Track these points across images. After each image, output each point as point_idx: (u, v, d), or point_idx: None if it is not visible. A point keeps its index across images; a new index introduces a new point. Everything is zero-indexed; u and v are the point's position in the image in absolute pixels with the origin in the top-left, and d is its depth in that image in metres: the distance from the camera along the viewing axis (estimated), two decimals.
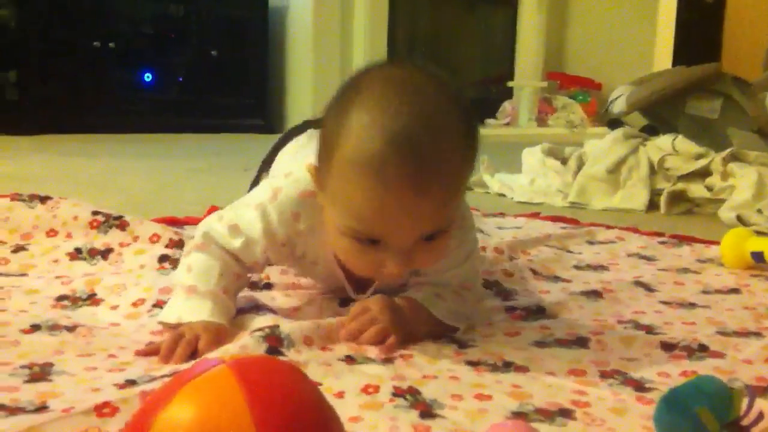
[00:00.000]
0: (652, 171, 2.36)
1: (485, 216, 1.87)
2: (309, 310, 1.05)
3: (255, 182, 1.26)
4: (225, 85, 4.57)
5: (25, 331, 0.92)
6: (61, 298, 1.05)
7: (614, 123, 2.95)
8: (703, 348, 0.95)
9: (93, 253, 1.25)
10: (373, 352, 0.90)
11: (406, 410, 0.74)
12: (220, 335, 0.90)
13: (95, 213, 1.32)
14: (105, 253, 1.25)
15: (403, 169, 0.78)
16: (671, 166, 2.35)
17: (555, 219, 1.93)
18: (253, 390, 0.48)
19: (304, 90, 4.76)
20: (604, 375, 0.86)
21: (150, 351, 0.88)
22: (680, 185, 2.29)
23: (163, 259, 1.24)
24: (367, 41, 4.78)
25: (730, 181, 2.22)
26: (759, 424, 0.65)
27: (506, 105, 5.45)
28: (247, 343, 0.87)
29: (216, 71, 4.52)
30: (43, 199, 1.34)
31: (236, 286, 1.00)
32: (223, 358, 0.52)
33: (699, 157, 2.35)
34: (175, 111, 4.38)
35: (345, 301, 1.08)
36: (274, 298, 1.11)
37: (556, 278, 1.32)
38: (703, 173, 2.30)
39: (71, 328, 0.94)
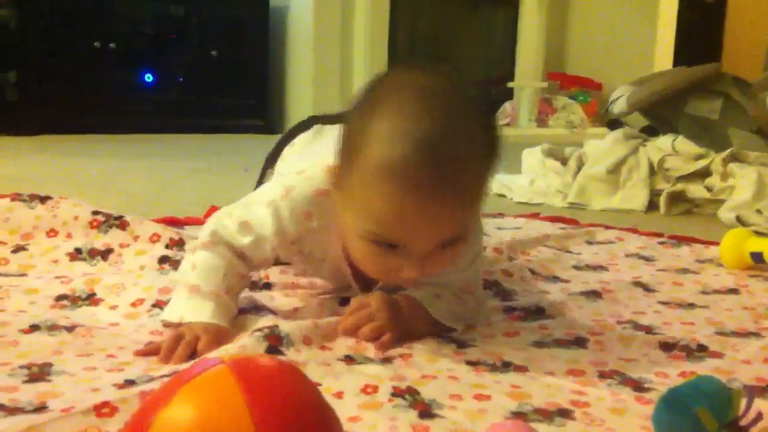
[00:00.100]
0: (652, 171, 2.36)
1: (484, 216, 1.87)
2: (308, 310, 1.05)
3: (260, 178, 1.26)
4: (225, 86, 4.57)
5: (24, 331, 0.92)
6: (60, 297, 1.05)
7: (614, 123, 2.95)
8: (701, 348, 0.95)
9: (93, 254, 1.25)
10: (372, 351, 0.90)
11: (405, 410, 0.74)
12: (220, 336, 0.89)
13: (95, 213, 1.32)
14: (105, 254, 1.25)
15: (426, 176, 0.78)
16: (671, 166, 2.35)
17: (554, 219, 1.93)
18: (253, 390, 0.49)
19: (305, 90, 4.76)
20: (603, 375, 0.86)
21: (149, 351, 0.88)
22: (680, 186, 2.29)
23: (163, 260, 1.24)
24: (367, 42, 4.78)
25: (730, 181, 2.22)
26: (758, 424, 0.65)
27: (506, 105, 5.45)
28: (246, 342, 0.87)
29: (216, 72, 4.53)
30: (43, 199, 1.34)
31: (240, 285, 1.00)
32: (223, 358, 0.52)
33: (699, 157, 2.35)
34: (176, 111, 4.38)
35: (344, 301, 1.08)
36: (273, 297, 1.11)
37: (556, 278, 1.32)
38: (703, 174, 2.31)
39: (70, 328, 0.94)
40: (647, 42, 5.16)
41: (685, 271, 1.43)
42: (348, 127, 0.86)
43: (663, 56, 5.04)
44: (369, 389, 0.78)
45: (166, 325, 0.95)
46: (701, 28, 4.95)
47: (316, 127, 1.22)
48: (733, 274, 1.41)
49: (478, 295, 1.07)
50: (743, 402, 0.66)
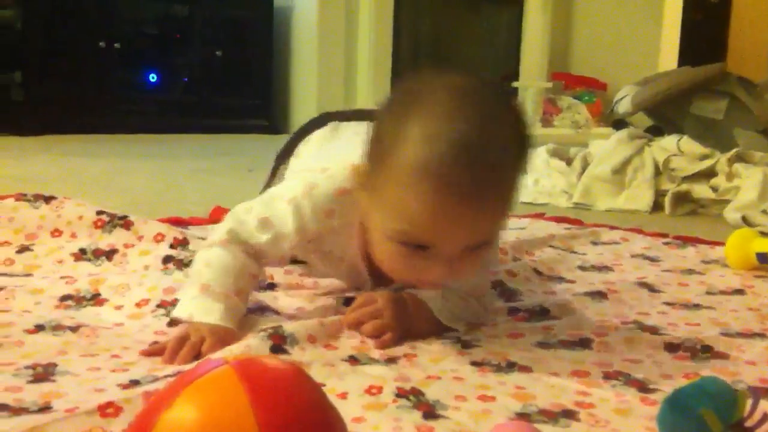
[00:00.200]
0: (657, 172, 2.36)
1: None
2: (312, 310, 1.05)
3: (272, 175, 1.26)
4: (229, 86, 4.57)
5: (29, 331, 0.92)
6: (65, 298, 1.06)
7: (619, 123, 2.95)
8: (707, 349, 0.95)
9: (97, 254, 1.25)
10: (376, 352, 0.90)
11: (409, 411, 0.74)
12: (226, 339, 0.89)
13: (100, 213, 1.32)
14: (109, 254, 1.25)
15: (463, 177, 0.78)
16: (676, 166, 2.35)
17: (559, 219, 1.92)
18: (257, 390, 0.48)
19: (309, 91, 4.76)
20: (607, 376, 0.86)
21: (154, 351, 0.88)
22: (685, 186, 2.29)
23: (167, 260, 1.24)
24: (371, 41, 4.78)
25: (736, 181, 2.22)
26: (763, 425, 0.65)
27: None
28: (251, 342, 0.87)
29: (221, 72, 4.53)
30: (48, 199, 1.35)
31: (251, 286, 1.00)
32: (227, 358, 0.52)
33: (704, 157, 2.35)
34: (180, 111, 4.39)
35: (348, 301, 1.08)
36: (277, 297, 1.11)
37: (560, 279, 1.32)
38: (708, 174, 2.30)
39: (75, 329, 0.94)
40: (652, 42, 5.15)
41: (690, 271, 1.43)
42: (378, 127, 0.86)
43: (668, 56, 5.03)
44: (373, 390, 0.78)
45: (175, 321, 0.96)
46: (706, 28, 4.94)
47: (332, 124, 1.21)
48: (739, 275, 1.41)
49: (485, 300, 1.06)
50: (748, 403, 0.66)
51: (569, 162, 2.55)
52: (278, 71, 4.83)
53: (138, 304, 1.04)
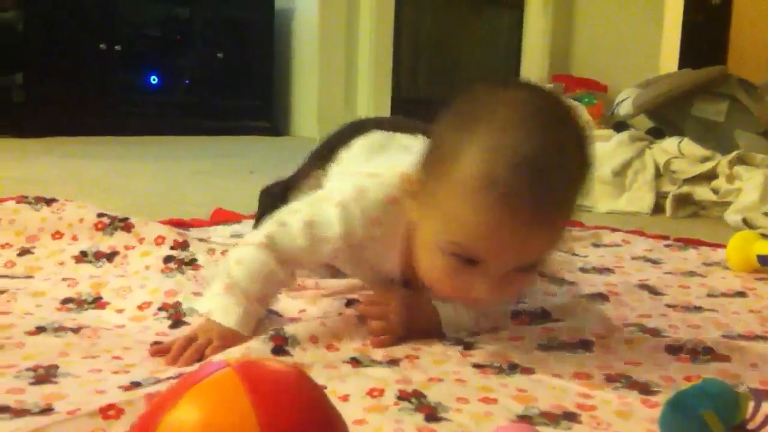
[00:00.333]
0: (658, 174, 2.36)
1: None
2: (314, 311, 1.05)
3: (301, 175, 1.23)
4: (231, 88, 4.57)
5: (30, 333, 0.92)
6: (66, 300, 1.06)
7: (620, 125, 2.95)
8: (708, 351, 0.95)
9: (98, 256, 1.25)
10: (378, 354, 0.90)
11: (411, 413, 0.74)
12: (234, 344, 0.89)
13: (100, 215, 1.32)
14: (110, 256, 1.25)
15: (525, 195, 0.76)
16: (677, 168, 2.35)
17: None
18: (259, 393, 0.48)
19: (310, 92, 4.76)
20: (609, 378, 0.86)
21: (160, 350, 0.89)
22: (686, 188, 2.29)
23: (168, 259, 1.24)
24: (372, 44, 4.78)
25: (737, 183, 2.22)
26: (765, 427, 0.65)
27: None
28: (252, 344, 0.87)
29: (222, 74, 4.53)
30: (49, 202, 1.35)
31: (276, 293, 0.99)
32: (229, 361, 0.52)
33: (705, 159, 2.35)
34: (181, 113, 4.39)
35: (351, 302, 1.08)
36: (279, 299, 1.11)
37: (562, 281, 1.32)
38: (709, 176, 2.30)
39: (76, 330, 0.94)
40: (653, 44, 5.15)
41: (691, 273, 1.43)
42: (437, 136, 0.85)
43: (668, 58, 5.03)
44: (375, 392, 0.78)
45: (177, 322, 0.97)
46: (707, 30, 4.94)
47: (378, 133, 1.16)
48: (740, 277, 1.41)
49: (494, 320, 1.04)
50: (750, 405, 0.66)
51: None
52: (279, 73, 4.84)
53: (140, 307, 1.04)
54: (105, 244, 1.28)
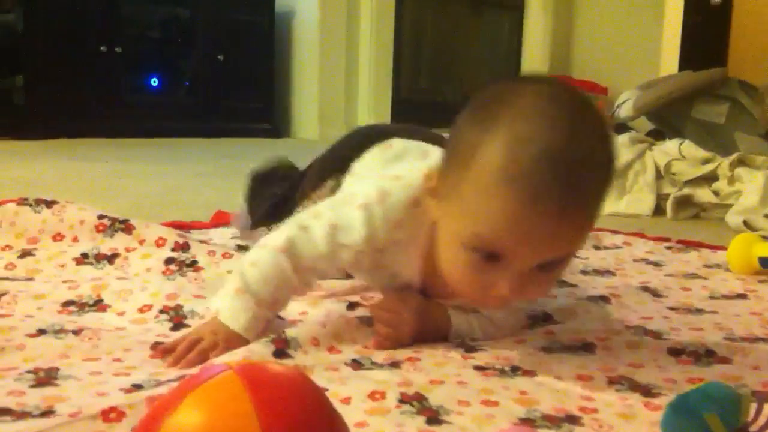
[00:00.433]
0: (659, 176, 2.36)
1: None
2: (316, 314, 1.05)
3: (311, 182, 1.19)
4: (231, 90, 4.58)
5: (30, 335, 0.92)
6: (67, 303, 1.05)
7: (621, 127, 2.95)
8: (710, 353, 0.95)
9: (99, 258, 1.25)
10: (379, 356, 0.90)
11: (412, 416, 0.74)
12: (238, 348, 0.88)
13: (101, 217, 1.32)
14: (111, 258, 1.25)
15: (554, 187, 0.74)
16: (678, 170, 2.35)
17: None
18: (261, 395, 0.48)
19: (311, 94, 4.77)
20: (611, 380, 0.86)
21: (166, 350, 0.89)
22: (687, 190, 2.29)
23: (169, 261, 1.24)
24: (372, 45, 4.79)
25: (737, 185, 2.22)
26: (767, 430, 0.65)
27: None
28: (253, 347, 0.87)
29: (222, 76, 4.54)
30: (50, 204, 1.35)
31: (289, 299, 0.98)
32: (230, 363, 0.52)
33: (706, 161, 2.35)
34: (182, 115, 4.39)
35: (352, 305, 1.08)
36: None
37: (563, 283, 1.32)
38: (710, 178, 2.30)
39: (77, 331, 0.93)
40: (653, 46, 5.15)
41: (693, 276, 1.43)
42: (458, 132, 0.83)
43: (668, 60, 5.03)
44: (376, 395, 0.78)
45: (179, 325, 0.97)
46: (707, 32, 4.94)
47: (397, 141, 1.12)
48: (742, 279, 1.41)
49: (506, 327, 1.03)
50: (752, 407, 0.66)
51: None
52: (280, 75, 4.84)
53: (140, 310, 1.04)
54: (106, 245, 1.28)
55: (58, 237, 1.30)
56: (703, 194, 2.26)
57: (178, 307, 1.05)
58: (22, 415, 0.70)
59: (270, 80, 4.75)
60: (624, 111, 2.90)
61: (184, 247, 1.28)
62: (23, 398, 0.74)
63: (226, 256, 1.29)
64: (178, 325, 1.00)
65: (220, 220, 1.70)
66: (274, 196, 1.30)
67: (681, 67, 4.69)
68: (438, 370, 0.87)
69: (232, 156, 3.47)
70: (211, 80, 4.52)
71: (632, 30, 5.34)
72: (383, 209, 0.92)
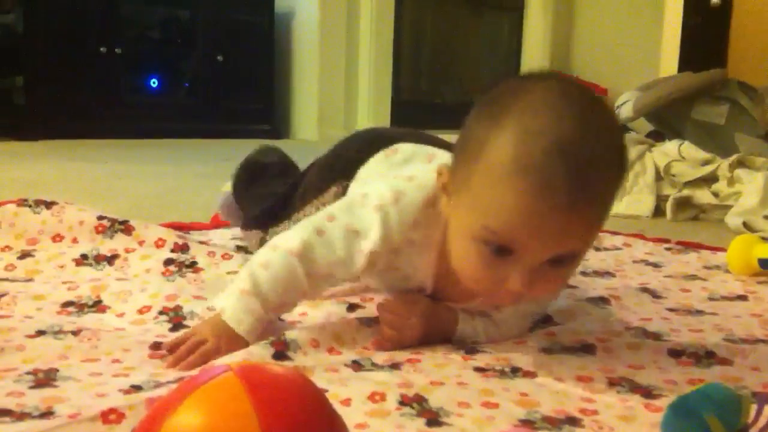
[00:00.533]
0: (658, 177, 2.36)
1: None
2: (316, 315, 1.05)
3: (313, 186, 1.18)
4: (231, 91, 4.58)
5: (30, 337, 0.92)
6: (66, 304, 1.05)
7: None
8: (710, 355, 0.95)
9: (99, 259, 1.25)
10: (379, 357, 0.90)
11: (412, 418, 0.74)
12: (239, 349, 0.88)
13: (101, 218, 1.32)
14: (111, 259, 1.25)
15: (565, 180, 0.74)
16: (677, 172, 2.35)
17: None
18: (261, 397, 0.48)
19: (311, 95, 4.77)
20: (611, 382, 0.86)
21: (171, 346, 0.89)
22: (686, 191, 2.29)
23: (168, 262, 1.24)
24: (372, 46, 4.79)
25: (737, 187, 2.22)
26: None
27: None
28: (253, 349, 0.87)
29: (222, 76, 4.54)
30: (49, 205, 1.34)
31: (296, 302, 0.98)
32: (230, 365, 0.52)
33: (705, 162, 2.35)
34: (182, 116, 4.39)
35: (352, 307, 1.08)
36: None
37: None
38: (710, 179, 2.30)
39: (76, 332, 0.93)
40: (653, 47, 5.16)
41: (692, 277, 1.43)
42: (468, 128, 0.83)
43: (668, 61, 5.03)
44: (376, 397, 0.78)
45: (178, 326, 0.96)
46: (706, 33, 4.94)
47: (403, 145, 1.10)
48: (741, 281, 1.41)
49: (512, 331, 1.02)
50: (753, 409, 0.66)
51: None
52: (280, 76, 4.84)
53: (140, 311, 1.04)
54: (105, 246, 1.28)
55: (57, 238, 1.30)
56: (703, 195, 2.26)
57: (177, 308, 1.04)
58: (21, 416, 0.70)
59: (270, 81, 4.75)
60: (624, 112, 2.90)
61: (184, 248, 1.28)
62: (22, 399, 0.74)
63: (226, 257, 1.29)
64: (177, 325, 1.00)
65: (220, 221, 1.70)
66: (270, 197, 1.29)
67: (681, 68, 4.69)
68: (438, 371, 0.87)
69: (232, 157, 3.45)
70: (211, 81, 4.52)
71: (632, 31, 5.35)
72: (398, 210, 0.91)
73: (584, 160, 0.75)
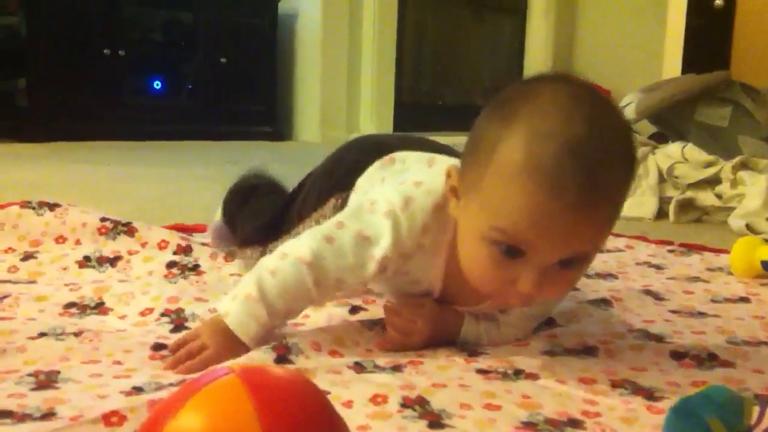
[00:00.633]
0: (661, 179, 2.36)
1: None
2: (318, 317, 1.05)
3: (313, 195, 1.16)
4: (234, 93, 4.58)
5: (32, 338, 0.92)
6: (69, 305, 1.05)
7: None
8: (712, 357, 0.95)
9: (101, 261, 1.25)
10: (381, 359, 0.90)
11: (414, 420, 0.74)
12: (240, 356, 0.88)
13: (103, 220, 1.33)
14: (113, 261, 1.25)
15: (575, 180, 0.74)
16: (680, 173, 2.34)
17: None
18: (262, 399, 0.48)
19: (313, 97, 4.77)
20: (614, 384, 0.85)
21: (172, 349, 0.89)
22: (689, 193, 2.28)
23: (171, 265, 1.24)
24: (375, 49, 4.79)
25: (740, 189, 2.22)
26: None
27: None
28: (254, 354, 0.86)
29: (225, 78, 4.53)
30: (52, 207, 1.35)
31: (303, 309, 0.97)
32: (232, 367, 0.52)
33: (708, 164, 2.34)
34: (184, 118, 4.39)
35: (355, 309, 1.08)
36: None
37: None
38: (713, 181, 2.30)
39: (77, 333, 0.93)
40: (655, 48, 5.15)
41: (695, 279, 1.43)
42: (478, 129, 0.83)
43: (671, 63, 5.03)
44: (378, 399, 0.78)
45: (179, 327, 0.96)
46: (709, 35, 4.94)
47: (395, 156, 1.09)
48: (744, 283, 1.41)
49: (516, 333, 1.02)
50: (755, 411, 0.66)
51: None
52: (282, 78, 4.84)
53: (142, 313, 1.04)
54: (108, 248, 1.28)
55: (60, 240, 1.30)
56: (706, 197, 2.26)
57: (179, 311, 1.05)
58: (23, 417, 0.70)
59: (272, 83, 4.75)
60: (626, 114, 2.90)
61: (187, 250, 1.29)
62: (24, 401, 0.74)
63: (228, 259, 1.29)
64: (179, 327, 1.00)
65: None
66: (267, 212, 1.27)
67: (684, 70, 4.69)
68: (440, 373, 0.87)
69: (235, 159, 3.46)
70: (214, 83, 4.52)
71: (635, 33, 5.34)
72: (408, 215, 0.91)
73: (594, 160, 0.75)
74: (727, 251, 1.53)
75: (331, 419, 0.52)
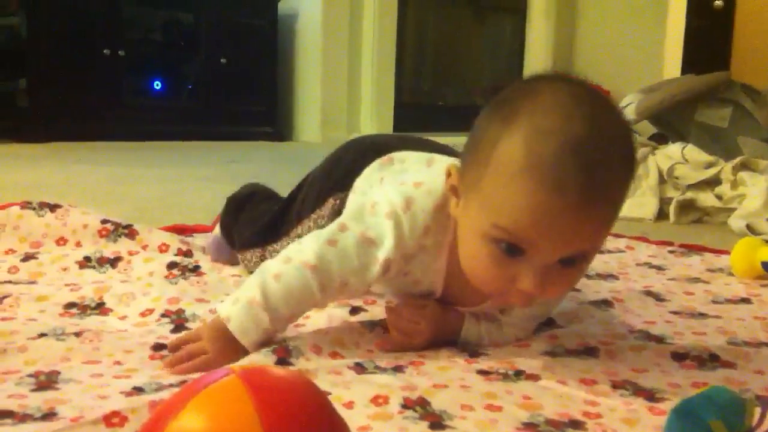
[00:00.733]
0: (662, 180, 2.36)
1: None
2: (318, 318, 1.05)
3: (311, 197, 1.16)
4: (234, 93, 4.58)
5: (32, 338, 0.92)
6: (69, 306, 1.05)
7: None
8: (714, 358, 0.95)
9: (102, 262, 1.25)
10: (382, 360, 0.90)
11: (415, 421, 0.74)
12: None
13: (104, 221, 1.33)
14: (114, 261, 1.25)
15: (576, 178, 0.74)
16: (681, 174, 2.34)
17: None
18: (263, 400, 0.48)
19: (313, 97, 4.77)
20: (615, 385, 0.85)
21: (171, 347, 0.90)
22: (690, 194, 2.28)
23: (171, 266, 1.24)
24: (375, 49, 4.79)
25: (740, 189, 2.22)
26: None
27: None
28: (255, 356, 0.86)
29: (225, 79, 4.54)
30: (53, 208, 1.35)
31: (306, 312, 0.97)
32: (233, 368, 0.52)
33: (709, 165, 2.34)
34: (184, 119, 4.40)
35: (355, 310, 1.08)
36: None
37: None
38: (713, 182, 2.30)
39: (78, 333, 0.93)
40: (656, 49, 5.15)
41: (696, 280, 1.42)
42: (478, 128, 0.83)
43: (671, 63, 5.03)
44: (380, 400, 0.78)
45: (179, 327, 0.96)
46: (709, 35, 4.94)
47: (393, 156, 1.08)
48: (745, 284, 1.41)
49: (517, 334, 1.02)
50: (757, 413, 0.66)
51: None
52: (282, 78, 4.85)
53: (142, 314, 1.04)
54: (109, 250, 1.28)
55: (61, 241, 1.30)
56: (706, 198, 2.26)
57: (180, 311, 1.05)
58: (23, 417, 0.70)
59: (273, 83, 4.75)
60: (626, 114, 2.90)
61: (188, 253, 1.29)
62: (24, 401, 0.74)
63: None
64: (179, 327, 1.00)
65: None
66: (265, 216, 1.26)
67: (684, 71, 4.69)
68: (441, 374, 0.87)
69: (235, 159, 3.47)
70: (214, 83, 4.52)
71: (635, 33, 5.34)
72: (410, 216, 0.90)
73: (595, 159, 0.75)
74: (727, 252, 1.53)
75: (332, 420, 0.52)
